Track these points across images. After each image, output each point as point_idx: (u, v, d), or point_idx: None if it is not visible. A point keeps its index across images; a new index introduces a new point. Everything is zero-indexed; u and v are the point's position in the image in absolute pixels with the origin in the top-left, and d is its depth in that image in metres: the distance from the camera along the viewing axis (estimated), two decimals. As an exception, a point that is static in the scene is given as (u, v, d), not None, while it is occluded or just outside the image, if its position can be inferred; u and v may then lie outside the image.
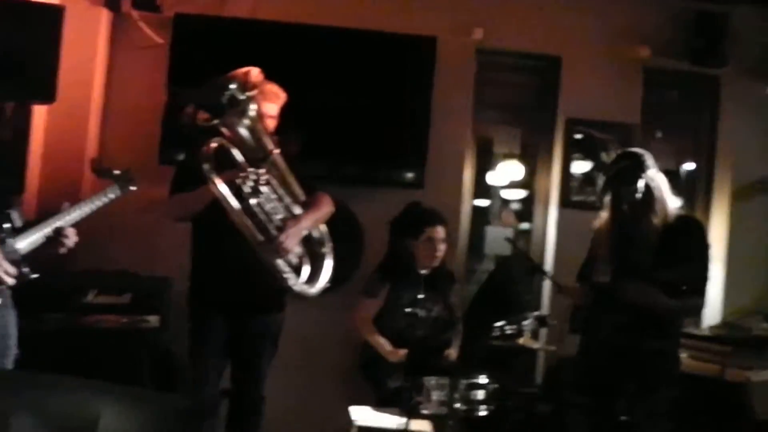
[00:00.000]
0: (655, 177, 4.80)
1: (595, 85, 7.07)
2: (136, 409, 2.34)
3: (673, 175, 6.70)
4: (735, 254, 7.10)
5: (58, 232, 3.83)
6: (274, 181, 4.47)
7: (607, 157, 6.89)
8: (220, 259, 4.78)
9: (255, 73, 4.25)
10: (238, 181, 4.30)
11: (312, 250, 4.78)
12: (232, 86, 4.13)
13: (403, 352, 5.67)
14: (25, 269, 3.71)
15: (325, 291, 4.83)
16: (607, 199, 4.95)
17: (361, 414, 5.47)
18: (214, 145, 4.18)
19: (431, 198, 6.43)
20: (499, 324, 5.38)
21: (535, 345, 5.66)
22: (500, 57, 7.24)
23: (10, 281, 3.59)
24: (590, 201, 6.89)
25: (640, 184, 4.73)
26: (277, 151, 4.43)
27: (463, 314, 6.25)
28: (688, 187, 7.39)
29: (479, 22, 6.94)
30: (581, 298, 5.01)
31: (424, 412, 5.22)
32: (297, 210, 4.63)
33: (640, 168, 4.76)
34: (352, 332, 6.19)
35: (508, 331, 5.36)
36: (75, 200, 5.99)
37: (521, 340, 5.35)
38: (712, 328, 6.64)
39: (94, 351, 5.73)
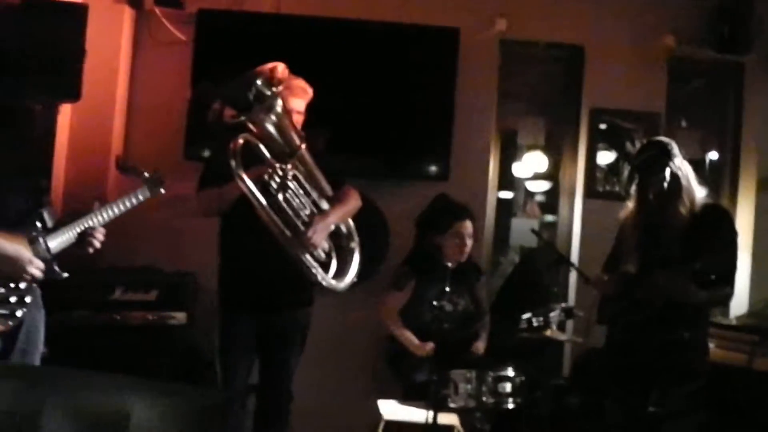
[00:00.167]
0: (681, 166, 4.77)
1: (620, 74, 7.04)
2: (168, 404, 2.34)
3: (698, 164, 6.68)
4: (761, 243, 7.06)
5: (88, 232, 3.86)
6: (300, 177, 4.47)
7: (632, 147, 6.86)
8: (248, 254, 4.79)
9: (281, 68, 4.24)
10: (266, 176, 4.31)
11: (340, 244, 4.78)
12: (259, 82, 4.12)
13: (429, 345, 5.67)
14: (56, 268, 3.74)
15: (352, 286, 4.82)
16: (633, 188, 4.93)
17: (388, 408, 5.48)
18: (241, 141, 4.18)
19: (456, 190, 6.42)
20: (525, 316, 5.37)
21: (562, 337, 5.65)
22: (524, 47, 7.21)
23: (39, 275, 3.61)
24: (616, 191, 6.88)
25: (667, 173, 4.71)
26: (303, 146, 4.43)
27: (489, 307, 6.26)
28: (714, 176, 7.34)
29: (502, 13, 6.92)
30: (609, 289, 4.99)
31: (452, 405, 5.22)
32: (324, 205, 4.63)
33: (666, 157, 4.73)
34: (378, 326, 6.20)
35: (535, 323, 5.35)
36: (101, 198, 6.07)
37: (548, 332, 5.33)
38: (738, 317, 6.61)
39: (121, 347, 5.77)
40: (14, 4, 5.39)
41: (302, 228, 4.44)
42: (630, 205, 4.98)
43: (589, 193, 7.08)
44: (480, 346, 6.01)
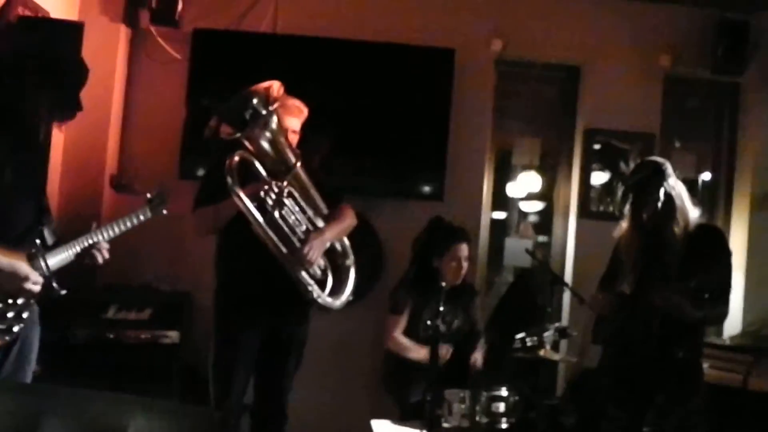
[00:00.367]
0: (675, 186, 4.77)
1: (615, 94, 7.06)
2: (164, 422, 2.34)
3: (692, 184, 6.69)
4: (755, 263, 7.06)
5: (89, 250, 3.87)
6: (296, 194, 4.49)
7: (626, 168, 6.87)
8: (245, 271, 4.78)
9: (276, 86, 4.27)
10: (262, 193, 4.32)
11: (335, 262, 4.78)
12: (255, 100, 4.15)
13: (444, 348, 5.67)
14: (55, 285, 3.74)
15: (347, 304, 4.82)
16: (627, 209, 4.93)
17: (382, 428, 5.46)
18: (237, 158, 4.20)
19: (450, 210, 6.42)
20: (519, 336, 5.37)
21: (556, 356, 5.64)
22: (519, 68, 7.26)
23: (37, 290, 3.61)
24: (610, 211, 6.88)
25: (661, 193, 4.71)
26: (299, 164, 4.45)
27: (484, 326, 6.26)
28: (708, 196, 7.36)
29: (498, 34, 6.95)
30: (604, 309, 4.98)
31: (446, 425, 5.20)
32: (320, 223, 4.66)
33: (660, 177, 4.73)
34: (374, 345, 6.19)
35: (529, 343, 5.34)
36: (95, 215, 6.06)
37: (542, 352, 5.32)
38: (732, 337, 6.62)
39: (114, 366, 5.75)
40: (11, 22, 5.41)
41: (298, 245, 4.45)
42: (624, 225, 4.98)
43: (583, 213, 7.10)
44: (478, 357, 6.00)
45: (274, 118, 4.25)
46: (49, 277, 3.72)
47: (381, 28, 6.85)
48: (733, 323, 6.75)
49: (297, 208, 4.51)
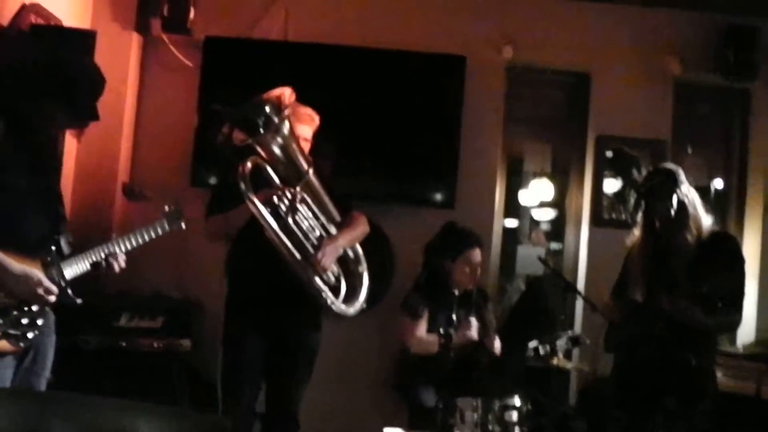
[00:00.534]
0: (688, 193, 4.77)
1: (626, 101, 7.05)
2: (174, 429, 2.34)
3: (704, 191, 6.67)
4: (768, 271, 7.05)
5: (106, 260, 3.88)
6: (309, 201, 4.50)
7: (638, 175, 6.85)
8: (257, 278, 4.77)
9: (288, 93, 4.29)
10: (275, 199, 4.33)
11: (348, 269, 4.78)
12: (267, 107, 4.16)
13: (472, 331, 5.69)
14: (70, 293, 3.74)
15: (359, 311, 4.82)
16: (640, 216, 4.92)
17: (394, 435, 5.45)
18: (250, 164, 4.21)
19: (462, 218, 6.39)
20: (532, 344, 5.35)
21: (569, 365, 5.62)
22: (530, 74, 7.24)
23: (51, 296, 3.62)
24: (622, 219, 6.86)
25: (674, 200, 4.70)
26: (311, 171, 4.45)
27: (495, 332, 6.24)
28: (720, 203, 7.34)
29: (509, 40, 6.94)
30: (616, 317, 4.97)
31: (458, 433, 5.19)
32: (333, 230, 4.66)
33: (673, 184, 4.73)
34: (384, 351, 6.18)
35: (542, 351, 5.33)
36: (107, 223, 6.08)
37: (554, 360, 5.31)
38: (746, 346, 6.60)
39: (126, 373, 5.76)
40: (23, 30, 5.42)
41: (311, 251, 4.45)
42: (636, 232, 4.98)
43: (596, 220, 7.07)
44: (496, 344, 5.96)
45: (286, 125, 4.26)
46: (65, 285, 3.72)
47: (392, 36, 6.85)
48: (747, 331, 6.72)
49: (310, 214, 4.52)
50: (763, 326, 6.90)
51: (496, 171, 7.08)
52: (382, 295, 6.51)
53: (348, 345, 6.47)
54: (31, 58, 3.93)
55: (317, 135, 4.92)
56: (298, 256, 4.40)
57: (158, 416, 2.41)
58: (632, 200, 6.47)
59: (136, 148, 6.86)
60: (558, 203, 7.52)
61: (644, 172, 6.57)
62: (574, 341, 5.53)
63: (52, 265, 3.70)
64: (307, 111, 4.84)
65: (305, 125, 4.81)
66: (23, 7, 5.48)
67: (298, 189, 4.42)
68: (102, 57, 5.67)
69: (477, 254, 6.00)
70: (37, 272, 3.61)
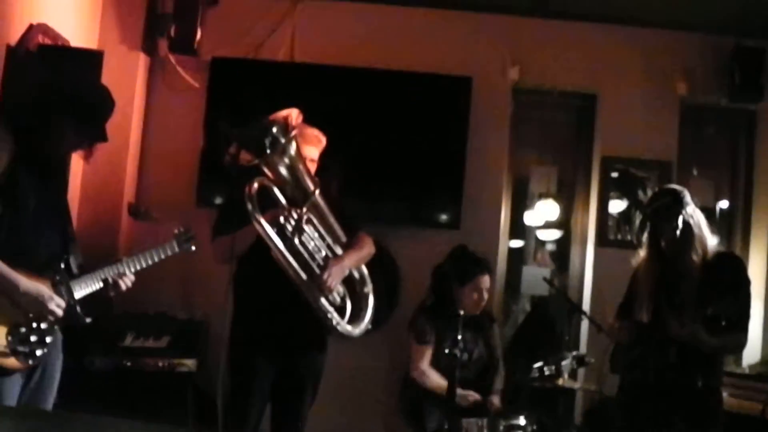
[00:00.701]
0: (693, 214, 4.76)
1: (632, 122, 7.05)
2: (181, 450, 2.34)
3: (710, 212, 6.67)
4: (773, 292, 7.03)
5: (116, 280, 3.89)
6: (315, 221, 4.51)
7: (644, 196, 6.86)
8: (264, 299, 4.77)
9: (295, 114, 4.30)
10: (281, 219, 4.34)
11: (354, 290, 4.78)
12: (274, 128, 4.18)
13: (473, 394, 5.67)
14: (79, 312, 3.75)
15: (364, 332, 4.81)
16: (646, 237, 4.92)
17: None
18: (256, 184, 4.23)
19: (467, 238, 6.40)
20: (537, 364, 5.35)
21: (574, 385, 5.61)
22: (536, 96, 7.25)
23: (60, 313, 3.63)
24: (628, 240, 6.86)
25: (679, 221, 4.70)
26: (318, 191, 4.47)
27: (501, 355, 6.24)
28: (726, 224, 7.33)
29: (515, 61, 6.96)
30: (622, 337, 4.96)
31: (464, 454, 5.18)
32: (339, 251, 4.67)
33: (679, 205, 4.73)
34: (390, 374, 6.17)
35: (547, 372, 5.32)
36: (113, 242, 6.08)
37: (560, 381, 5.30)
38: (752, 366, 6.58)
39: (131, 393, 5.75)
40: (31, 50, 5.44)
41: (317, 271, 4.46)
42: (642, 253, 4.97)
43: (601, 241, 7.07)
44: (495, 400, 5.96)
45: (293, 145, 4.29)
46: (74, 304, 3.73)
47: (398, 56, 6.87)
48: (752, 352, 6.70)
49: (316, 235, 4.53)
50: (768, 347, 6.90)
51: (501, 192, 7.09)
52: (388, 315, 6.50)
53: (354, 366, 6.45)
54: (39, 78, 3.95)
55: (324, 156, 4.93)
56: (303, 276, 4.41)
57: (164, 436, 2.41)
58: (638, 221, 6.45)
59: (142, 168, 6.87)
60: (563, 224, 7.51)
61: (650, 193, 6.57)
62: (580, 361, 5.52)
63: (61, 283, 3.72)
64: (314, 132, 4.85)
65: (312, 146, 4.82)
66: (31, 27, 5.50)
67: (304, 210, 4.43)
68: (109, 77, 5.71)
69: (486, 280, 6.00)
70: (47, 290, 3.63)
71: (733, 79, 6.93)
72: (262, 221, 4.27)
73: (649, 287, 4.86)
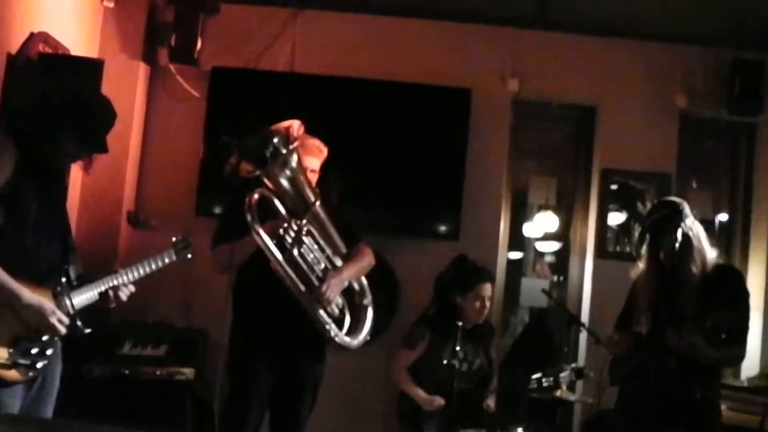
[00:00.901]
0: (693, 226, 4.76)
1: (631, 134, 7.06)
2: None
3: (709, 225, 6.67)
4: (772, 305, 7.03)
5: (115, 290, 3.89)
6: (315, 233, 4.51)
7: (643, 208, 6.87)
8: (261, 309, 4.76)
9: (297, 125, 4.31)
10: (281, 231, 4.34)
11: (353, 301, 4.78)
12: (275, 139, 4.18)
13: (438, 400, 5.66)
14: (79, 323, 3.75)
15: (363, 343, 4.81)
16: (645, 249, 4.92)
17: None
18: (257, 195, 4.22)
19: (466, 250, 6.40)
20: (535, 376, 5.35)
21: (572, 397, 5.61)
22: (536, 108, 7.26)
23: (62, 327, 3.63)
24: (627, 252, 6.87)
25: (678, 233, 4.69)
26: (318, 203, 4.47)
27: (499, 366, 6.25)
28: (725, 237, 7.34)
29: (515, 73, 6.98)
30: (620, 349, 4.96)
31: (462, 464, 5.18)
32: (338, 262, 4.66)
33: (678, 217, 4.72)
34: (389, 382, 6.17)
35: (545, 383, 5.32)
36: (112, 251, 6.08)
37: (558, 393, 5.30)
38: (750, 379, 6.58)
39: (129, 401, 5.76)
40: (31, 59, 5.45)
41: (316, 283, 4.45)
42: (641, 265, 4.97)
43: (600, 253, 7.07)
44: (491, 403, 5.98)
45: (294, 157, 4.28)
46: (74, 315, 3.73)
47: (398, 68, 6.88)
48: (751, 365, 6.70)
49: (316, 246, 4.52)
50: (767, 360, 6.88)
51: (500, 203, 7.09)
52: (387, 326, 6.51)
53: (353, 376, 6.46)
54: (40, 86, 3.95)
55: (324, 166, 4.93)
56: (302, 287, 4.40)
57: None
58: (637, 233, 6.47)
59: (141, 177, 6.88)
60: (562, 235, 7.52)
61: (649, 205, 6.56)
62: (578, 373, 5.52)
63: (62, 294, 3.71)
64: (315, 142, 4.85)
65: (313, 157, 4.82)
66: (32, 36, 5.51)
67: (304, 221, 4.43)
68: (109, 86, 5.73)
69: (488, 289, 6.02)
70: (49, 303, 3.63)
71: (732, 91, 6.94)
72: (261, 233, 4.26)
73: (648, 299, 4.86)
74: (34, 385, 3.73)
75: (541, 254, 7.79)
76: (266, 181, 4.30)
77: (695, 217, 4.83)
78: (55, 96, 3.83)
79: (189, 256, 4.34)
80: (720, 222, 7.43)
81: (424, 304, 6.20)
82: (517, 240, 7.58)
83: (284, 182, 4.32)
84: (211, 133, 6.59)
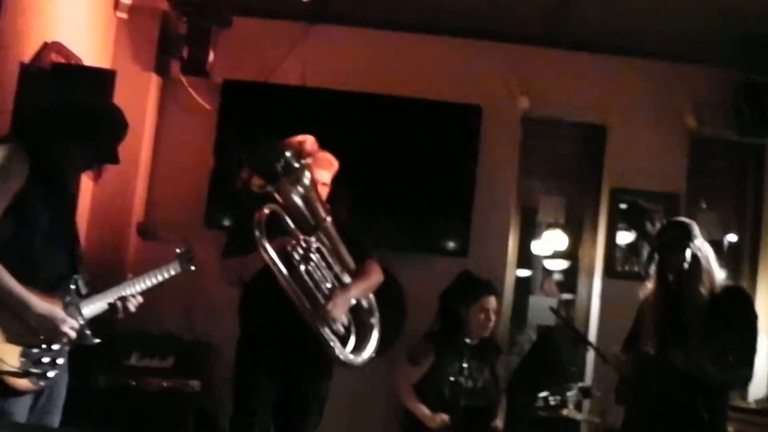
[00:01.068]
0: (701, 247, 4.75)
1: (641, 154, 7.06)
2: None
3: (717, 246, 6.65)
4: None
5: (123, 301, 3.89)
6: (324, 250, 4.50)
7: (652, 228, 6.85)
8: (268, 324, 4.75)
9: (310, 141, 4.31)
10: (289, 248, 4.33)
11: (360, 319, 4.77)
12: (288, 154, 4.17)
13: (441, 416, 5.65)
14: (88, 333, 3.76)
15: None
16: (653, 268, 4.91)
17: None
18: (266, 211, 4.21)
19: (474, 267, 6.41)
20: (542, 394, 5.34)
21: (579, 416, 5.60)
22: (546, 126, 7.27)
23: (73, 335, 3.64)
24: (635, 271, 6.85)
25: (687, 253, 4.69)
26: (329, 219, 4.46)
27: (507, 384, 6.23)
28: (734, 258, 7.32)
29: (525, 91, 6.99)
30: (627, 369, 4.95)
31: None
32: (346, 279, 4.65)
33: (687, 238, 4.72)
34: (394, 399, 6.17)
35: (552, 402, 5.31)
36: (121, 262, 6.09)
37: (565, 411, 5.29)
38: (758, 401, 6.56)
39: (136, 412, 5.76)
40: (44, 68, 5.47)
41: (322, 301, 4.44)
42: (650, 285, 4.96)
43: (608, 272, 7.06)
44: (499, 424, 5.96)
45: (307, 173, 4.26)
46: (83, 325, 3.73)
47: (409, 84, 6.89)
48: (759, 387, 6.67)
49: (324, 264, 4.51)
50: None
51: (509, 220, 7.09)
52: (394, 342, 6.49)
53: (358, 391, 6.42)
54: (52, 96, 3.96)
55: (334, 181, 4.93)
56: (308, 305, 4.39)
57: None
58: (645, 253, 6.46)
59: (151, 188, 6.89)
60: (571, 254, 7.51)
61: (658, 225, 6.56)
62: (585, 392, 5.52)
63: (71, 304, 3.72)
64: (327, 156, 4.84)
65: (324, 170, 4.80)
66: (45, 46, 5.53)
67: (312, 239, 4.43)
68: (121, 97, 5.73)
69: (492, 301, 6.02)
70: (60, 312, 3.63)
71: (742, 113, 6.93)
72: (269, 249, 4.25)
73: (656, 319, 4.85)
74: (41, 396, 3.73)
75: (550, 272, 7.79)
76: (277, 196, 4.29)
77: (704, 238, 4.83)
78: (67, 106, 3.85)
79: (192, 268, 4.34)
80: (729, 243, 7.41)
81: (432, 321, 6.19)
82: (526, 258, 7.58)
83: (296, 198, 4.30)
84: (222, 146, 6.62)
